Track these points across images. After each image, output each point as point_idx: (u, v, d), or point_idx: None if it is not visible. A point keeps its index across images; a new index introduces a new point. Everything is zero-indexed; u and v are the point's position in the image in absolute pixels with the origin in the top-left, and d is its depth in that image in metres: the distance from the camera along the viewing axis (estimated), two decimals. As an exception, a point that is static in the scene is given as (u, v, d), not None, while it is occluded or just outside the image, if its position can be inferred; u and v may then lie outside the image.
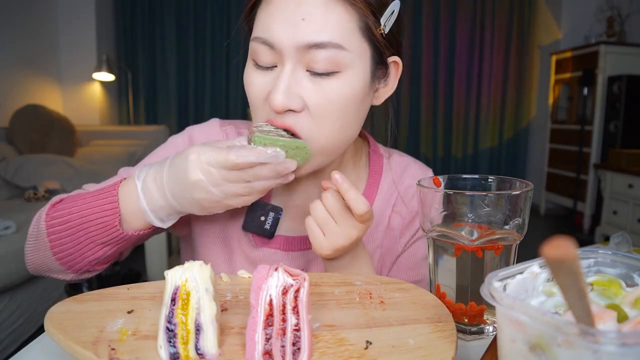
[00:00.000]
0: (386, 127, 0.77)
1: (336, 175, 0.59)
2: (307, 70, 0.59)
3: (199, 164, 0.56)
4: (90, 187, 0.74)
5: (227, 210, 0.64)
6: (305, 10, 0.57)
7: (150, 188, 0.61)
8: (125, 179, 0.66)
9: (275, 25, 0.58)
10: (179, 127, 4.95)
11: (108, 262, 0.70)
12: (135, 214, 0.63)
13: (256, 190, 0.59)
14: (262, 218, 0.74)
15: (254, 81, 0.63)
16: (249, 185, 0.58)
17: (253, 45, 0.62)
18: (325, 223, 0.62)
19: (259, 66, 0.62)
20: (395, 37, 0.65)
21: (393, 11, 0.62)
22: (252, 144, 0.58)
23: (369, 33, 0.61)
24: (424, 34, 4.94)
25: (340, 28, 0.58)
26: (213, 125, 0.79)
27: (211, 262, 0.77)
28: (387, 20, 0.62)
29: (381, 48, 0.63)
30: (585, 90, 3.92)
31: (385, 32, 0.62)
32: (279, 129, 0.60)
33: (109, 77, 4.11)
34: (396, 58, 0.67)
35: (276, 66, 0.61)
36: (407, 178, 0.80)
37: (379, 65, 0.65)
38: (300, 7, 0.57)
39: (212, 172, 0.56)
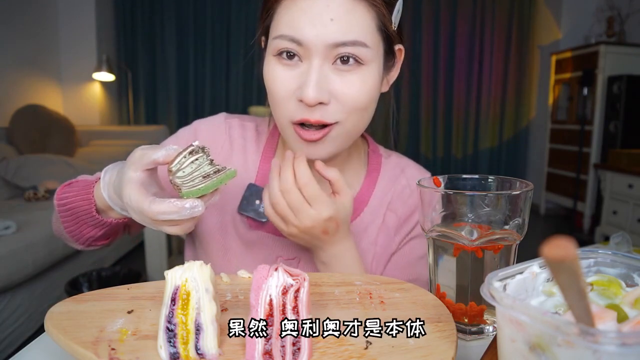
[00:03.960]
0: (387, 113, 0.80)
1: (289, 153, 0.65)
2: (333, 65, 0.63)
3: (129, 206, 0.56)
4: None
5: (223, 193, 0.68)
6: (333, 10, 0.61)
7: (110, 190, 0.62)
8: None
9: (304, 24, 0.61)
10: (179, 127, 4.93)
11: (109, 239, 0.74)
12: (111, 209, 0.65)
13: (186, 227, 0.58)
14: (257, 202, 0.76)
15: (279, 76, 0.65)
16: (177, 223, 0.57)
17: (277, 42, 0.64)
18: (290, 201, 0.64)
19: (283, 62, 0.64)
20: (400, 29, 0.70)
21: (399, 10, 0.67)
22: (181, 196, 0.54)
23: (384, 29, 0.66)
24: (424, 34, 4.94)
25: (363, 27, 0.62)
26: (218, 119, 0.84)
27: (206, 241, 0.80)
28: (395, 18, 0.67)
29: (392, 41, 0.69)
30: (585, 90, 3.92)
31: (395, 28, 0.67)
32: (200, 149, 0.55)
33: (109, 77, 4.12)
34: (400, 46, 0.72)
35: (301, 62, 0.64)
36: (404, 178, 0.82)
37: (389, 56, 0.70)
38: (328, 7, 0.61)
39: (140, 215, 0.55)
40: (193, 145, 0.54)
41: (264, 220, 0.76)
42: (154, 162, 0.55)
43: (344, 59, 0.63)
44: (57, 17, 4.09)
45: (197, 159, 0.54)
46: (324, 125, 0.65)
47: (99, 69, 4.04)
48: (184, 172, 0.54)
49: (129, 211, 0.57)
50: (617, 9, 4.23)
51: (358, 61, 0.63)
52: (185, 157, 0.53)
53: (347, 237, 0.70)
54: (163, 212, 0.53)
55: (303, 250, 0.77)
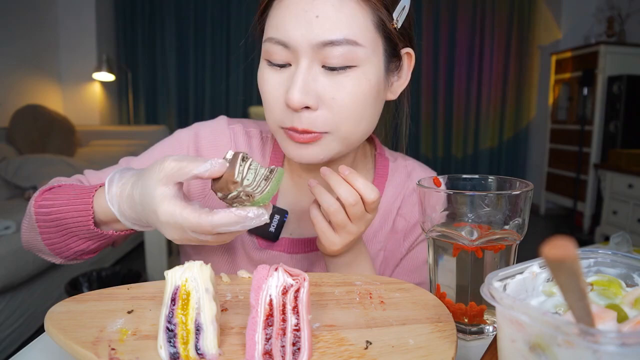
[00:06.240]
0: (400, 121, 0.78)
1: (342, 168, 0.60)
2: (322, 67, 0.59)
3: (174, 224, 0.51)
4: (89, 174, 0.74)
5: None
6: (318, 7, 0.57)
7: (122, 205, 0.57)
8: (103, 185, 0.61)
9: (289, 24, 0.58)
10: (179, 127, 4.94)
11: (96, 252, 0.68)
12: (114, 220, 0.60)
13: (230, 238, 0.55)
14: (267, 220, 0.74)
15: (269, 80, 0.62)
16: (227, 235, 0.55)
17: (266, 46, 0.61)
18: (337, 214, 0.61)
19: (273, 66, 0.62)
20: (407, 30, 0.66)
21: (404, 7, 0.63)
22: (251, 204, 0.51)
23: (383, 27, 0.61)
24: (424, 35, 4.94)
25: (354, 24, 0.58)
26: (221, 124, 0.78)
27: (213, 262, 0.77)
28: (399, 15, 0.63)
29: (395, 41, 0.64)
30: (585, 90, 3.92)
31: (398, 27, 0.63)
32: (246, 154, 0.52)
33: (109, 77, 4.12)
34: (409, 49, 0.67)
35: (290, 64, 0.61)
36: (412, 182, 0.81)
37: (393, 59, 0.65)
38: (313, 4, 0.57)
39: (188, 233, 0.52)
40: (240, 152, 0.51)
41: (274, 239, 0.74)
42: (194, 177, 0.50)
43: (334, 60, 0.58)
44: (57, 17, 4.09)
45: (251, 164, 0.51)
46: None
47: (99, 69, 4.04)
48: (247, 180, 0.50)
49: (160, 228, 0.53)
50: (617, 9, 4.23)
51: (349, 61, 0.59)
52: (241, 164, 0.50)
53: (362, 241, 0.71)
54: (225, 224, 0.49)
55: (313, 266, 0.77)
